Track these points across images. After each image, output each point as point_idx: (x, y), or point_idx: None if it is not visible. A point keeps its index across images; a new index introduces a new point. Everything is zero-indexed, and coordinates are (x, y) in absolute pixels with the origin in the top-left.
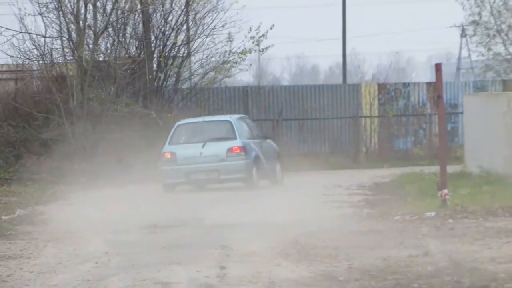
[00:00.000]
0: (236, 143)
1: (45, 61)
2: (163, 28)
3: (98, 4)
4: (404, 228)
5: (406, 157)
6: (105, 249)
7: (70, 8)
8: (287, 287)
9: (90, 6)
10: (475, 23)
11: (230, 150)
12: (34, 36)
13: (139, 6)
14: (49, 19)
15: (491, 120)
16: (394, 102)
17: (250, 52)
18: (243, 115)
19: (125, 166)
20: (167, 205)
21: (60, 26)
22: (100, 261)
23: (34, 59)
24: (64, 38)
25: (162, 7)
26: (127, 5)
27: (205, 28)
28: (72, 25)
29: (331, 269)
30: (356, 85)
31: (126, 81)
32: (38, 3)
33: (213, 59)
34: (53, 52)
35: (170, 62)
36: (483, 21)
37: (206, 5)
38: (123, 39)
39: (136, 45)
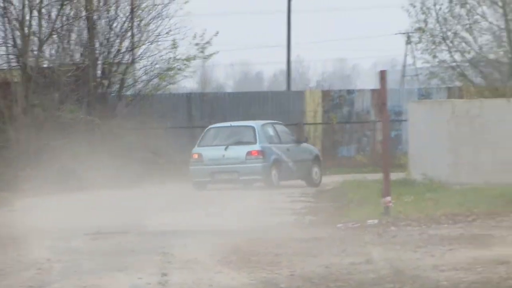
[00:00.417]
0: (255, 147)
1: None
2: (108, 35)
3: (43, 10)
4: (347, 235)
5: (349, 164)
6: (48, 255)
7: (15, 14)
8: None
9: (35, 13)
10: (420, 30)
11: (249, 153)
12: None
13: (84, 13)
14: None
15: (435, 127)
16: (339, 109)
17: (194, 59)
18: (273, 121)
19: (69, 173)
20: (110, 211)
21: (5, 32)
22: (43, 267)
23: None
24: (9, 45)
25: (107, 13)
26: (72, 12)
27: (149, 34)
28: (17, 32)
29: (273, 276)
30: (300, 92)
31: (70, 87)
32: None
33: (157, 65)
34: None
35: (114, 68)
36: (428, 28)
37: (151, 12)
38: (68, 46)
39: (81, 52)
